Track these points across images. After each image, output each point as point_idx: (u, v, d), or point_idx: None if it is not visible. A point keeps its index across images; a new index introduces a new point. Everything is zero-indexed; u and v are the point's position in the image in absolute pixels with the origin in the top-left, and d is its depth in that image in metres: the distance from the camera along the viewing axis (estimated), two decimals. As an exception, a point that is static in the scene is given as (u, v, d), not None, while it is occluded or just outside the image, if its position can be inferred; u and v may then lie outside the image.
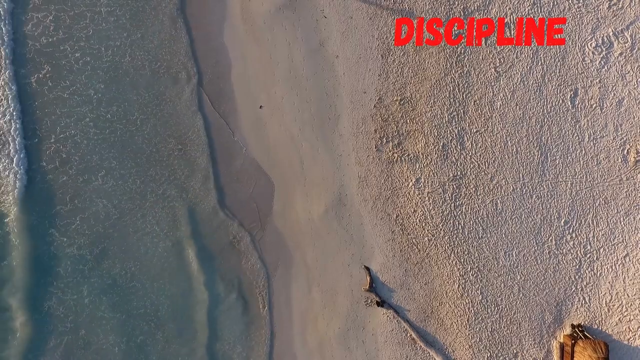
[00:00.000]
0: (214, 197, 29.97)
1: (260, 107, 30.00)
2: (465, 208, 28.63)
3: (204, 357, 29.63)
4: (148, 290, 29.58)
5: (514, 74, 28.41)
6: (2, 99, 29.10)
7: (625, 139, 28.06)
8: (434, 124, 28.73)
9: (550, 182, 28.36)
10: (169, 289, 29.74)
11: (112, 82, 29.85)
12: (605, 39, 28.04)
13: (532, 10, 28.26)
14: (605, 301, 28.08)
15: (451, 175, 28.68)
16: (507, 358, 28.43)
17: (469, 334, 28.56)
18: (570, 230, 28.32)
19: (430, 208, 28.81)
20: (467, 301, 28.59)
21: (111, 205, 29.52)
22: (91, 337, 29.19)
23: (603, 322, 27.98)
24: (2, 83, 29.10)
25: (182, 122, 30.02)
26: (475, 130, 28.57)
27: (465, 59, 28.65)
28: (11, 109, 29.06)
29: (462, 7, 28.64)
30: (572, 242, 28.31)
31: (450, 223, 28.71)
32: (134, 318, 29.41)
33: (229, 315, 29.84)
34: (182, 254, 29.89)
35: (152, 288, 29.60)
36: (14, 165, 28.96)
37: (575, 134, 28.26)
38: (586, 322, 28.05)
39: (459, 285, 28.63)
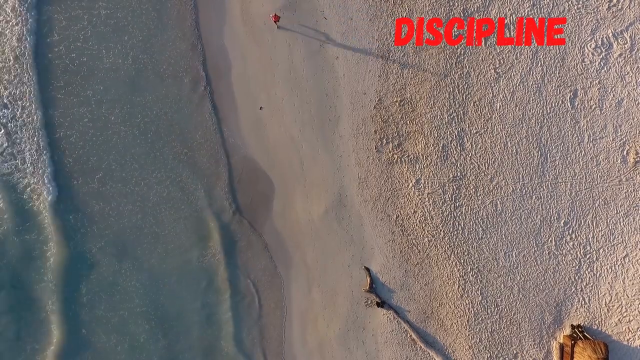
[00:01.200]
0: (222, 198, 30.05)
1: (261, 108, 30.04)
2: (465, 209, 28.68)
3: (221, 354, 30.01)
4: (172, 292, 29.92)
5: (513, 75, 28.47)
6: (26, 106, 29.43)
7: (624, 139, 28.12)
8: (433, 125, 28.78)
9: (550, 183, 28.42)
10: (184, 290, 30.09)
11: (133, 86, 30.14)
12: (605, 40, 28.10)
13: (532, 11, 28.31)
14: (605, 302, 28.14)
15: (451, 176, 28.73)
16: (507, 358, 28.49)
17: (469, 335, 28.62)
18: (570, 231, 28.38)
19: (430, 209, 28.86)
20: (467, 302, 28.64)
21: (133, 208, 29.75)
22: (117, 335, 29.62)
23: (603, 322, 28.05)
24: (27, 89, 29.42)
25: (188, 124, 30.13)
26: (475, 131, 28.62)
27: (465, 60, 28.70)
28: (35, 114, 29.40)
29: (462, 7, 28.69)
30: (571, 243, 28.37)
31: (450, 224, 28.76)
32: (166, 318, 29.78)
33: (241, 315, 30.01)
34: (197, 254, 30.16)
35: (175, 290, 29.92)
36: (42, 171, 29.25)
37: (575, 135, 28.32)
38: (586, 323, 28.11)
39: (459, 286, 28.69)
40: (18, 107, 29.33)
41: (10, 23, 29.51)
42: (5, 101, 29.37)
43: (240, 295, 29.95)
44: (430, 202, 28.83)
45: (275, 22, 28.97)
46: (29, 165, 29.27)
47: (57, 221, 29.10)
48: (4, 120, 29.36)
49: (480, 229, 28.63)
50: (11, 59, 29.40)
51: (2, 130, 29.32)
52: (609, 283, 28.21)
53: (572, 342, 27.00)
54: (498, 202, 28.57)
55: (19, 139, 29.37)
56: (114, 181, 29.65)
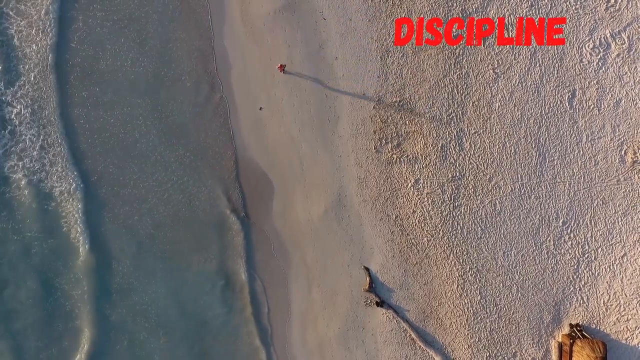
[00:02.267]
0: (232, 200, 30.36)
1: (260, 108, 30.17)
2: (464, 209, 28.82)
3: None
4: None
5: (512, 75, 28.59)
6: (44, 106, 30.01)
7: (622, 139, 28.23)
8: (432, 125, 28.91)
9: (549, 183, 28.56)
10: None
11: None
12: (603, 40, 28.21)
13: (530, 12, 28.41)
14: (603, 301, 28.27)
15: (450, 176, 28.86)
16: (505, 358, 28.63)
17: (468, 334, 28.76)
18: (569, 231, 28.51)
19: (429, 209, 29.00)
20: (466, 301, 28.78)
21: (150, 210, 30.34)
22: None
23: (601, 321, 28.18)
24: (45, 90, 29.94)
25: (199, 128, 30.48)
26: (473, 131, 28.75)
27: (464, 60, 28.82)
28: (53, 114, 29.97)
29: (460, 8, 28.78)
30: (570, 242, 28.50)
31: (449, 223, 28.90)
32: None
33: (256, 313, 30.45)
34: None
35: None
36: (66, 170, 29.89)
37: (573, 135, 28.44)
38: (584, 322, 28.24)
39: (457, 286, 28.83)
40: (35, 107, 29.88)
41: (31, 25, 29.98)
42: (19, 100, 29.78)
43: (253, 295, 30.32)
44: (429, 202, 28.97)
45: (281, 71, 29.30)
46: (53, 166, 29.80)
47: (83, 221, 29.70)
48: (20, 120, 29.79)
49: (479, 228, 28.76)
50: (29, 61, 29.90)
51: (8, 129, 29.70)
52: (607, 282, 28.34)
53: (571, 341, 27.12)
54: (497, 202, 28.70)
55: (31, 137, 29.83)
56: (128, 186, 30.25)
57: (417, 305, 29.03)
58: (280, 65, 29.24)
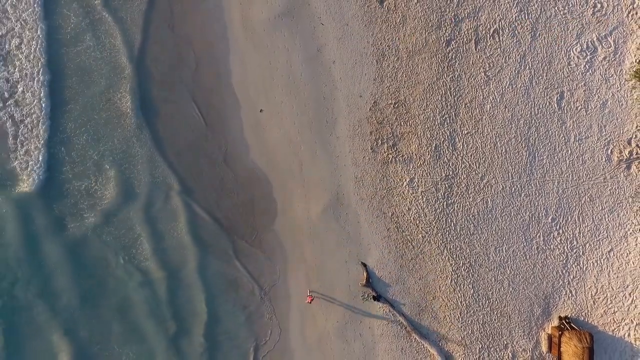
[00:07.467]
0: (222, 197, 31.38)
1: (261, 110, 31.04)
2: (457, 206, 29.84)
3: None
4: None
5: (502, 78, 29.58)
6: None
7: (609, 139, 29.22)
8: (426, 126, 29.91)
9: (538, 181, 29.58)
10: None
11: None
12: (590, 44, 29.18)
13: (520, 17, 29.34)
14: (591, 294, 29.30)
15: (443, 175, 29.87)
16: (497, 349, 29.66)
17: (461, 327, 29.77)
18: (557, 227, 29.53)
19: (424, 206, 30.02)
20: (459, 295, 29.81)
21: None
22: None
23: (589, 313, 29.21)
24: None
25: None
26: (466, 132, 29.77)
27: (456, 63, 29.79)
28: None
29: (453, 13, 29.61)
30: (559, 238, 29.52)
31: (442, 221, 29.91)
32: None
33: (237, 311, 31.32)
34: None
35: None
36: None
37: (562, 135, 29.45)
38: (573, 314, 29.25)
39: (451, 280, 29.85)
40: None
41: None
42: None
43: (254, 293, 31.27)
44: (424, 200, 30.00)
45: (310, 301, 30.26)
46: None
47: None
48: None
49: (472, 225, 29.78)
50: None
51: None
52: (594, 276, 29.35)
53: (560, 332, 28.04)
54: (488, 200, 29.73)
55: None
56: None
57: (413, 299, 30.02)
58: (310, 296, 30.20)
